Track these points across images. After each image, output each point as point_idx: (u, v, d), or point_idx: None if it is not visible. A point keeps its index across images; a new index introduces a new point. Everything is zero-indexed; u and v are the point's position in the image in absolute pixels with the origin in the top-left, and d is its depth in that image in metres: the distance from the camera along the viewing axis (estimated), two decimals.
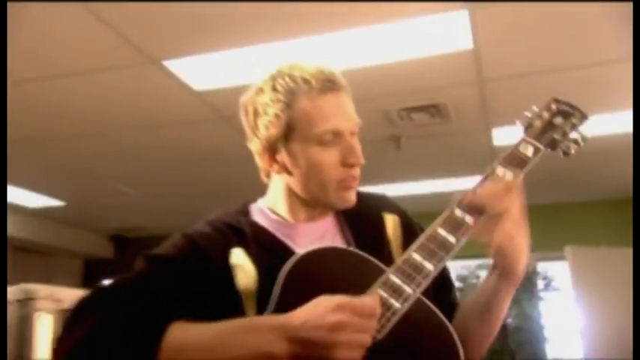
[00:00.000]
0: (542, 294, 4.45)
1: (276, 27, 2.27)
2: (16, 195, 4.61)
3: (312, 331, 0.74)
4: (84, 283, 6.33)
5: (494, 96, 2.90)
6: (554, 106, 1.07)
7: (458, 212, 0.91)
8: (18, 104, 2.95)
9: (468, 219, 0.90)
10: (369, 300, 0.78)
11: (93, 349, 0.78)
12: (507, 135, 3.38)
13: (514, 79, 2.73)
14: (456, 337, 0.87)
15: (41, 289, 1.29)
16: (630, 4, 1.87)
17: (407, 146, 3.41)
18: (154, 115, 3.16)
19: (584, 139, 1.05)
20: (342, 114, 0.96)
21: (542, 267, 4.58)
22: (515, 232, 0.89)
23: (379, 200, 1.09)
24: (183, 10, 2.13)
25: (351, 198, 0.98)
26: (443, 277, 1.04)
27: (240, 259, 0.91)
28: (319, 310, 0.75)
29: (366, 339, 0.75)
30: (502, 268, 0.92)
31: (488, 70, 2.61)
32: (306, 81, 0.95)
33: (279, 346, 0.75)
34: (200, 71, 2.64)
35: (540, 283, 4.49)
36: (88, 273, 6.47)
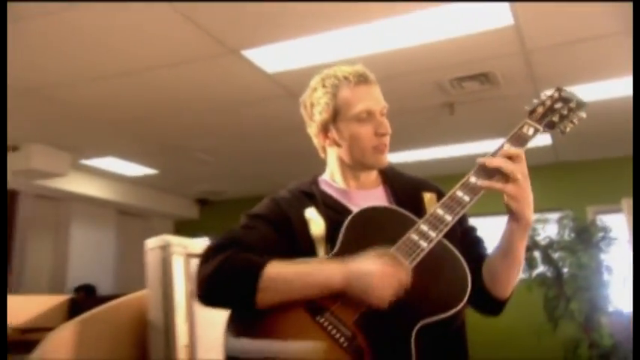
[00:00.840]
0: (601, 245, 4.60)
1: (338, 16, 2.62)
2: (119, 165, 5.24)
3: (362, 276, 1.11)
4: None
5: (539, 63, 3.11)
6: (556, 95, 1.29)
7: (472, 179, 1.23)
8: (119, 93, 3.53)
9: (480, 183, 1.21)
10: (404, 272, 1.12)
11: (221, 274, 1.19)
12: None
13: (555, 48, 2.93)
14: (466, 267, 1.16)
15: (174, 239, 1.77)
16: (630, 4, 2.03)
17: (459, 111, 3.69)
18: (232, 95, 3.63)
19: (580, 119, 1.36)
20: (372, 99, 1.31)
21: (601, 219, 4.72)
22: (524, 186, 1.16)
23: (421, 181, 1.42)
24: (259, 8, 2.54)
25: (384, 160, 1.33)
26: (469, 234, 1.36)
27: (312, 215, 1.30)
28: (368, 263, 1.13)
29: (393, 291, 1.09)
30: (515, 214, 1.17)
31: (530, 42, 2.84)
32: (345, 77, 1.31)
33: (338, 282, 1.11)
34: (272, 57, 3.05)
35: (599, 235, 4.63)
36: (178, 232, 7.19)
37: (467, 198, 1.20)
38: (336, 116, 1.32)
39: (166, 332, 1.63)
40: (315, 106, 1.34)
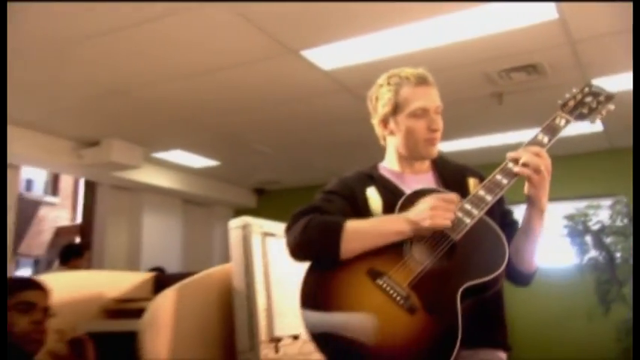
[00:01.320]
0: None
1: (391, 15, 2.83)
2: (184, 157, 5.65)
3: (419, 213, 1.36)
4: None
5: (586, 53, 3.21)
6: (586, 89, 1.49)
7: (509, 165, 1.44)
8: (189, 92, 3.88)
9: (516, 169, 1.40)
10: (452, 195, 1.39)
11: (309, 232, 1.42)
12: (606, 84, 3.63)
13: (601, 38, 3.03)
14: (504, 240, 1.35)
15: (252, 220, 2.07)
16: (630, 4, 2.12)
17: (508, 101, 3.82)
18: (289, 91, 3.91)
19: (608, 110, 1.54)
20: (428, 98, 1.53)
21: None
22: (545, 177, 1.36)
23: (466, 168, 1.64)
24: (317, 11, 2.80)
25: (434, 151, 1.57)
26: (507, 216, 1.57)
27: (372, 194, 1.55)
28: (423, 201, 1.38)
29: (451, 214, 1.33)
30: (532, 200, 1.40)
31: (576, 33, 2.96)
32: (407, 77, 1.55)
33: (404, 226, 1.37)
34: (328, 55, 3.31)
35: None
36: None
37: (505, 181, 1.39)
38: (395, 110, 1.55)
39: (248, 298, 1.92)
40: (380, 100, 1.57)
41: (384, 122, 1.59)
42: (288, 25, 2.95)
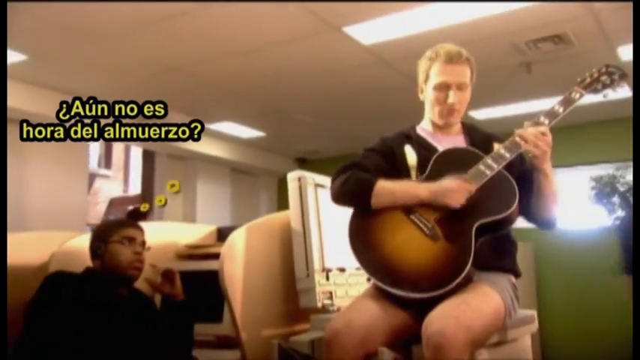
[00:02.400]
0: None
1: None
2: (233, 129, 6.07)
3: (439, 189, 1.71)
4: (278, 195, 7.93)
5: (610, 21, 3.43)
6: (603, 69, 1.79)
7: (528, 127, 1.76)
8: (240, 68, 4.28)
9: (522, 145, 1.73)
10: (472, 185, 1.71)
11: (348, 185, 1.80)
12: (631, 51, 3.83)
13: (622, 9, 3.25)
14: (516, 189, 1.72)
15: (306, 174, 2.48)
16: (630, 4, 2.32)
17: (536, 70, 4.07)
18: (331, 65, 4.24)
19: (621, 87, 1.78)
20: (452, 74, 1.85)
21: None
22: (545, 150, 1.68)
23: (492, 135, 1.97)
24: None
25: (449, 120, 1.91)
26: (526, 173, 1.82)
27: (409, 150, 1.92)
28: (447, 181, 1.72)
29: (462, 199, 1.66)
30: (537, 167, 1.72)
31: (597, 3, 3.19)
32: (439, 55, 1.89)
33: (424, 194, 1.73)
34: (368, 31, 3.64)
35: None
36: (280, 187, 8.00)
37: (522, 142, 1.73)
38: (426, 81, 1.91)
39: (304, 237, 2.34)
40: (419, 70, 1.94)
41: (420, 89, 1.95)
42: (331, 5, 3.30)
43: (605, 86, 1.75)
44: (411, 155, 1.89)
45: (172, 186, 5.18)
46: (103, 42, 3.81)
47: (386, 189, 1.76)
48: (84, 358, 1.77)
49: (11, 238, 2.84)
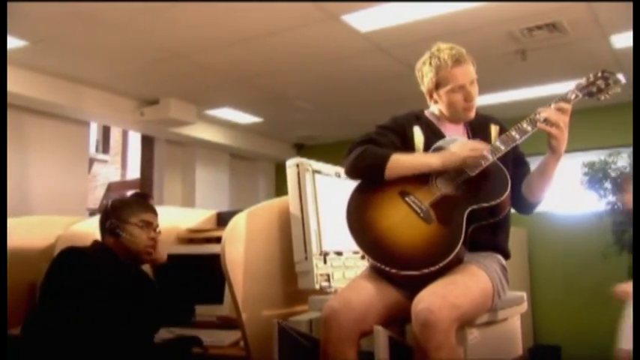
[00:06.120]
0: None
1: None
2: (232, 114, 6.11)
3: (449, 152, 1.83)
4: (276, 180, 7.98)
5: (604, 10, 3.49)
6: (599, 74, 1.83)
7: (537, 116, 1.80)
8: (239, 55, 4.32)
9: (539, 125, 1.75)
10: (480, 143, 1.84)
11: (364, 157, 1.87)
12: (626, 40, 3.89)
13: None
14: (508, 178, 1.81)
15: (304, 160, 2.54)
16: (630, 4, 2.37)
17: (531, 57, 4.12)
18: (329, 52, 4.29)
19: (614, 93, 1.82)
20: (463, 76, 1.92)
21: None
22: (564, 131, 1.72)
23: (489, 117, 2.07)
24: None
25: (471, 115, 1.99)
26: (520, 159, 1.99)
27: (417, 131, 1.99)
28: (453, 148, 1.84)
29: (480, 154, 1.78)
30: (553, 148, 1.75)
31: None
32: (444, 60, 1.93)
33: (435, 161, 1.83)
34: (365, 19, 3.69)
35: None
36: (278, 172, 8.00)
37: (517, 136, 1.81)
38: (437, 87, 1.98)
39: (302, 221, 2.41)
40: (424, 77, 2.01)
41: (430, 94, 2.03)
42: None
43: (599, 90, 1.81)
44: (418, 135, 1.99)
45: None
46: (103, 28, 3.85)
47: (400, 160, 1.86)
48: (97, 332, 1.85)
49: (15, 221, 2.92)
